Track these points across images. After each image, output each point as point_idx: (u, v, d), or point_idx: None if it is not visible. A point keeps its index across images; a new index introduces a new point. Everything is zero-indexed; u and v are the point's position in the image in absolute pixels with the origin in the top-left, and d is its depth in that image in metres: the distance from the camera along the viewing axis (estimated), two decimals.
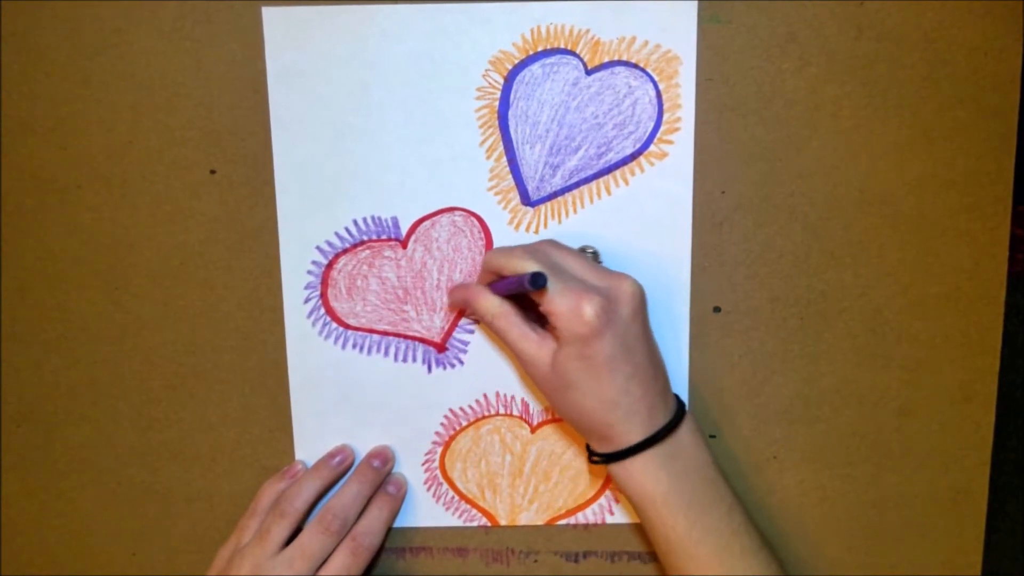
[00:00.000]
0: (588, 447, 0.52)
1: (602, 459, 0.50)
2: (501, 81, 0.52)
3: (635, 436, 0.49)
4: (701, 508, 0.49)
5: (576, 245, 0.53)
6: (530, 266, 0.48)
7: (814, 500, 0.57)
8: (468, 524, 0.58)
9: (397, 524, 0.58)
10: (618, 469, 0.50)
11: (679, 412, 0.50)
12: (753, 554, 0.50)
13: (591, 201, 0.54)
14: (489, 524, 0.58)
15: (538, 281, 0.45)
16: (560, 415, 0.51)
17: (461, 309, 0.55)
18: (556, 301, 0.47)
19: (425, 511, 0.58)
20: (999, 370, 0.56)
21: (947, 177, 0.54)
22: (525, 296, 0.50)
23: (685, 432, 0.50)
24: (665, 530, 0.50)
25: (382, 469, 0.56)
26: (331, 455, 0.56)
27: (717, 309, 0.55)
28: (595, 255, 0.53)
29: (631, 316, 0.48)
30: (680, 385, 0.56)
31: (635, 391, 0.48)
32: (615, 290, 0.48)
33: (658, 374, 0.50)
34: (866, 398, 0.56)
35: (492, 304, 0.50)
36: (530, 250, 0.49)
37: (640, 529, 0.58)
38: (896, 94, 0.53)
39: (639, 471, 0.49)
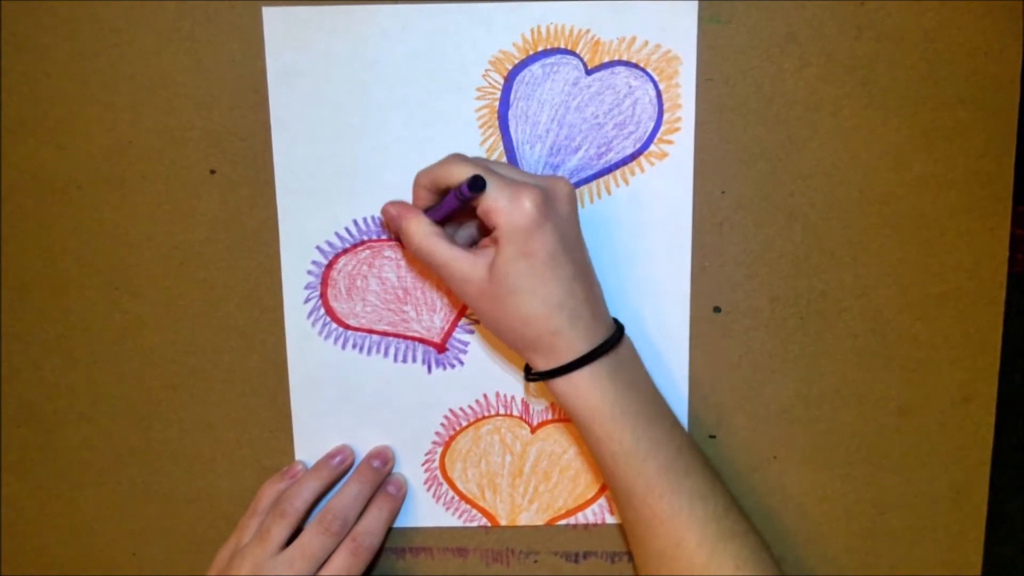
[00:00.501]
0: (526, 368, 0.50)
1: (543, 375, 0.48)
2: (501, 81, 0.52)
3: (581, 345, 0.47)
4: (647, 421, 0.48)
5: None
6: (466, 170, 0.46)
7: (814, 500, 0.57)
8: (468, 524, 0.58)
9: (397, 524, 0.58)
10: (563, 384, 0.48)
11: (619, 324, 0.50)
12: (698, 471, 0.49)
13: (591, 201, 0.54)
14: (489, 524, 0.58)
15: (477, 184, 0.44)
16: (501, 332, 0.49)
17: (462, 310, 0.55)
18: (495, 196, 0.45)
19: (425, 511, 0.58)
20: (999, 370, 0.56)
21: (947, 177, 0.54)
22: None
23: (627, 345, 0.50)
24: (612, 445, 0.48)
25: (382, 469, 0.56)
26: (331, 455, 0.56)
27: (717, 309, 0.55)
28: None
29: (569, 213, 0.47)
30: (680, 385, 0.56)
31: (579, 292, 0.47)
32: (551, 187, 0.47)
33: (595, 281, 0.49)
34: (866, 398, 0.56)
35: (422, 224, 0.48)
36: (461, 156, 0.48)
37: None
38: (896, 94, 0.53)
39: (585, 383, 0.48)
